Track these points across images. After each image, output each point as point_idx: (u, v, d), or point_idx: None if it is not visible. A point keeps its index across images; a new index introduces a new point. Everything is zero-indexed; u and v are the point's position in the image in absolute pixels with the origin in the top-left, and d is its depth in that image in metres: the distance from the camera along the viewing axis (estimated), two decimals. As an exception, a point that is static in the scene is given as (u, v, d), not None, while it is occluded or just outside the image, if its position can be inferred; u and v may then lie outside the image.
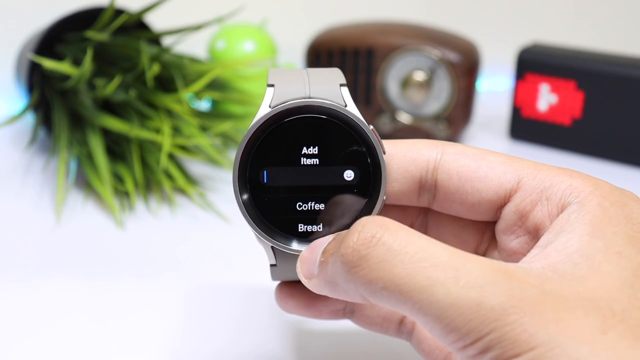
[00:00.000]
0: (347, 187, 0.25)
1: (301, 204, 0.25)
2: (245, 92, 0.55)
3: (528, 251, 0.23)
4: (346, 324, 0.32)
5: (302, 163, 0.25)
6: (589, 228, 0.21)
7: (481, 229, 0.27)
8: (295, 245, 0.25)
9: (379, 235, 0.20)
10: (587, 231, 0.21)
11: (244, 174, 0.25)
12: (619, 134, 0.56)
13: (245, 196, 0.25)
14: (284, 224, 0.25)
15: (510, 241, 0.25)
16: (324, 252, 0.23)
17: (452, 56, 0.55)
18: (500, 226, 0.25)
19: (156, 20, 0.61)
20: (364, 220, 0.21)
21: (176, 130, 0.50)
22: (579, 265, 0.20)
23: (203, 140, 0.49)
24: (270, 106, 0.25)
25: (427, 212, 0.28)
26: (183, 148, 0.50)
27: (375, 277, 0.20)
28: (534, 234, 0.24)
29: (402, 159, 0.26)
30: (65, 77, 0.50)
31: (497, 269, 0.19)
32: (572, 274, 0.20)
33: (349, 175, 0.25)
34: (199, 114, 0.54)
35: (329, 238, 0.24)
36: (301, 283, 0.28)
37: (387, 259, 0.20)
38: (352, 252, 0.20)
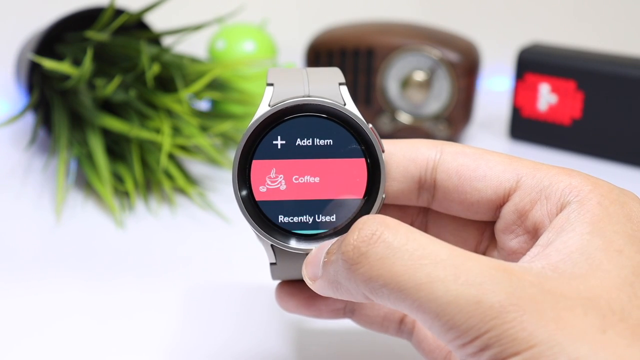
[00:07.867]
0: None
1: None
2: (245, 92, 0.55)
3: (527, 250, 0.23)
4: (346, 323, 0.32)
5: (301, 161, 0.25)
6: (589, 227, 0.21)
7: (481, 228, 0.27)
8: (293, 243, 0.25)
9: (379, 233, 0.20)
10: (587, 230, 0.21)
11: (244, 172, 0.25)
12: (619, 134, 0.56)
13: (244, 194, 0.25)
14: (284, 222, 0.25)
15: (509, 240, 0.25)
16: (327, 252, 0.23)
17: (452, 56, 0.55)
18: (499, 225, 0.25)
19: (156, 20, 0.61)
20: (365, 218, 0.21)
21: (176, 130, 0.50)
22: (579, 264, 0.20)
23: (203, 140, 0.49)
24: (269, 105, 0.25)
25: (426, 211, 0.28)
26: (183, 148, 0.50)
27: (375, 274, 0.20)
28: (533, 233, 0.24)
29: (402, 158, 0.26)
30: (65, 77, 0.50)
31: (496, 267, 0.19)
32: (572, 273, 0.20)
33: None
34: (199, 114, 0.54)
35: (333, 240, 0.24)
36: (301, 282, 0.28)
37: (387, 256, 0.20)
38: (353, 250, 0.20)
